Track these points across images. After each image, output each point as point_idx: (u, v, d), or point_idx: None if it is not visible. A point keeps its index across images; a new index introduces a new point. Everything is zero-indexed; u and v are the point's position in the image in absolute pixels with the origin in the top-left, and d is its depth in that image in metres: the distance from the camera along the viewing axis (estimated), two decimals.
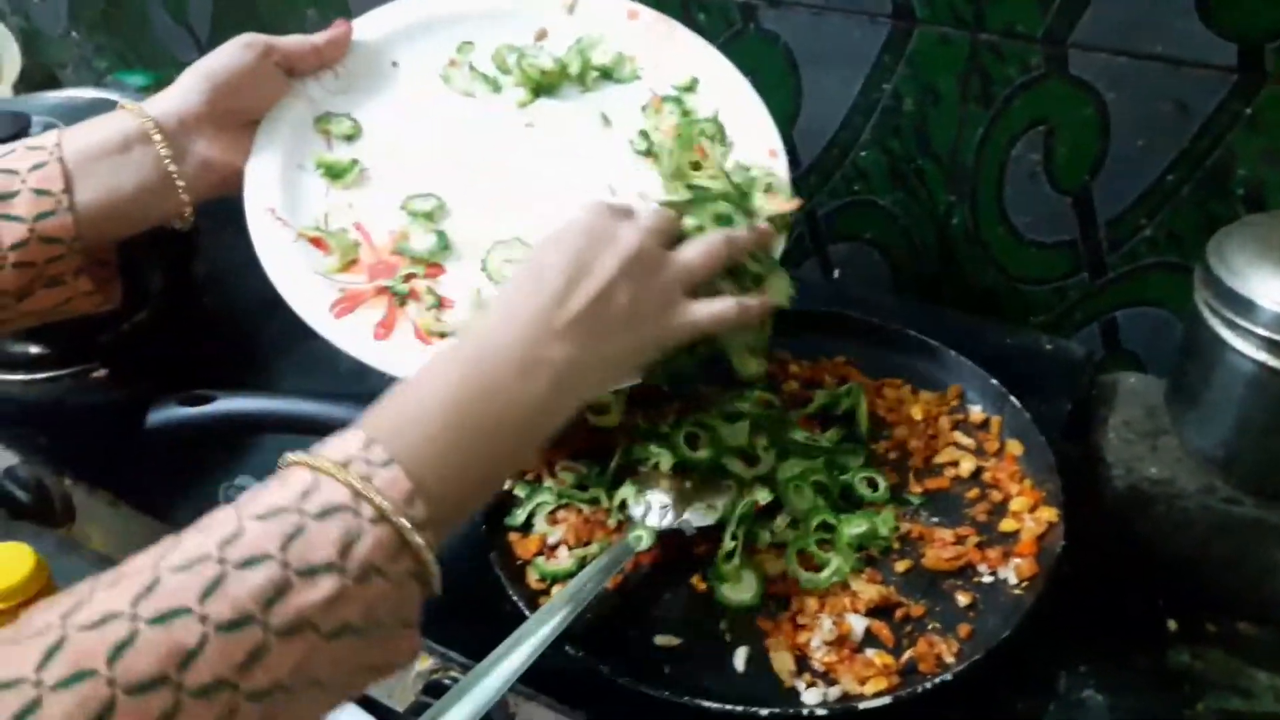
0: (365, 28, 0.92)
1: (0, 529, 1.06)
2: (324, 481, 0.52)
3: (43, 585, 0.95)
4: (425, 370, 0.62)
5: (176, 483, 0.91)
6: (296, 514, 0.50)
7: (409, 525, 0.53)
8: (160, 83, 1.54)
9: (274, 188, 0.83)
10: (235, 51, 0.82)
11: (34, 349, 1.05)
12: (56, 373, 1.04)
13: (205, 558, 0.48)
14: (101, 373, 1.05)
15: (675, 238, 0.74)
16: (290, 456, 0.55)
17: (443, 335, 0.78)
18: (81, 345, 1.05)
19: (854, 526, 0.76)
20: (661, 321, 0.69)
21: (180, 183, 0.80)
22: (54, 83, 1.68)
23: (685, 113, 0.89)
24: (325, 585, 0.49)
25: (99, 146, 0.78)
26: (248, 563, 0.48)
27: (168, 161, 0.79)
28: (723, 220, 0.76)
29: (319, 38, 0.88)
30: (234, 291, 1.14)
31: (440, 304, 0.80)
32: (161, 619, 0.45)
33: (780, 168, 0.86)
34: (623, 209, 0.73)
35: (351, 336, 0.77)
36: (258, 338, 1.09)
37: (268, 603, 0.47)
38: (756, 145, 0.88)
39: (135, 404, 0.84)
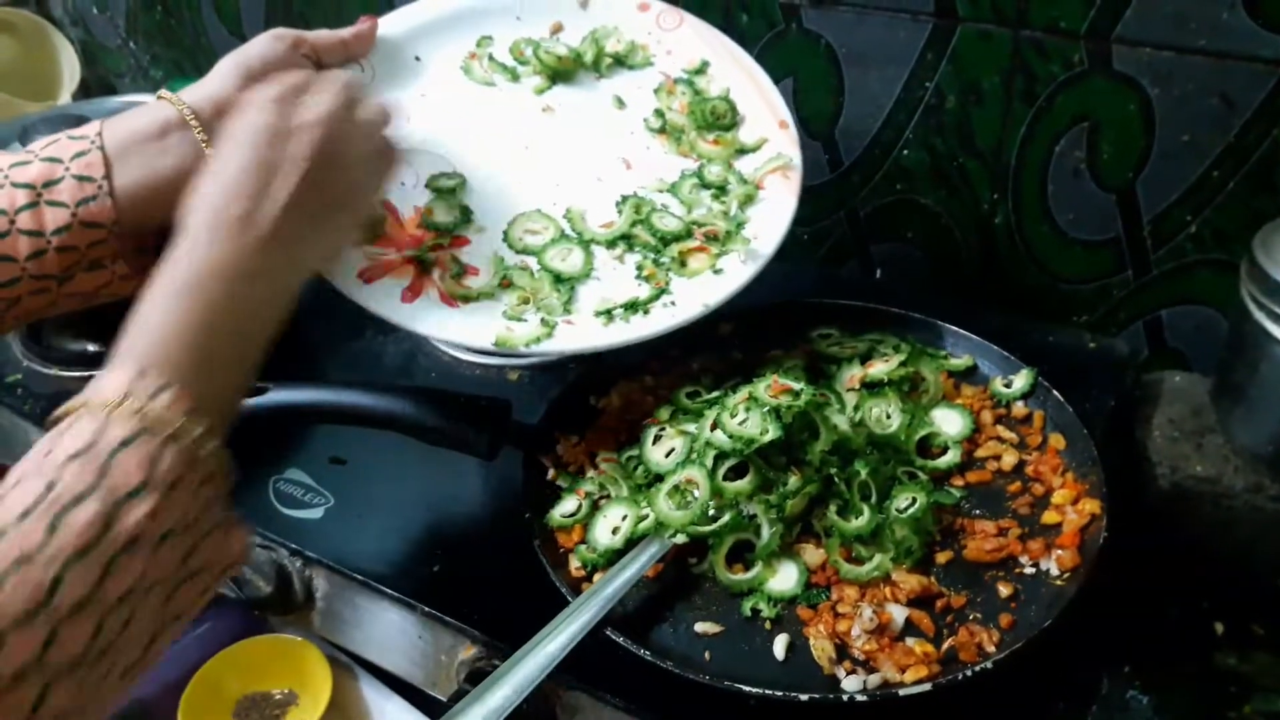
0: (391, 24, 0.96)
1: None
2: (113, 420, 0.57)
3: None
4: (154, 295, 0.65)
5: None
6: (100, 452, 0.56)
7: (198, 436, 0.59)
8: None
9: None
10: (267, 42, 0.86)
11: (91, 346, 1.08)
12: None
13: (37, 504, 0.53)
14: None
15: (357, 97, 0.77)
16: (66, 406, 0.59)
17: (466, 299, 0.82)
18: None
19: (901, 529, 0.76)
20: (370, 181, 0.76)
21: None
22: (111, 92, 1.73)
23: (697, 92, 0.94)
24: (144, 505, 0.55)
25: (138, 133, 0.81)
26: (75, 501, 0.53)
27: (204, 145, 0.82)
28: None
29: (346, 32, 0.92)
30: None
31: (464, 271, 0.83)
32: (18, 564, 0.51)
33: (790, 139, 0.90)
34: (293, 88, 0.75)
35: (380, 299, 0.80)
36: (307, 336, 1.10)
37: (104, 529, 0.53)
38: (767, 118, 0.92)
39: None
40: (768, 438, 0.76)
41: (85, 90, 1.70)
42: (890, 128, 1.06)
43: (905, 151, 1.07)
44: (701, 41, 0.97)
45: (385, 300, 0.81)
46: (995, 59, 0.97)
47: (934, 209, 1.09)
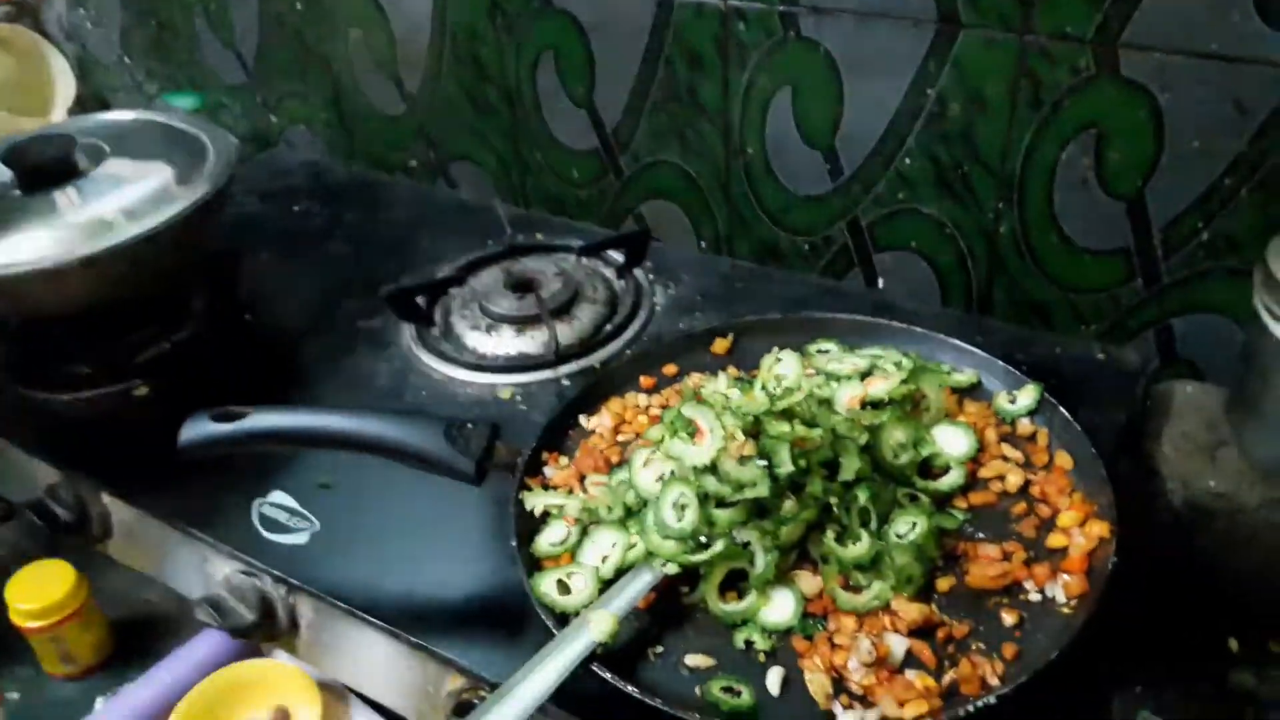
0: None
1: (43, 545, 1.08)
2: None
3: (83, 602, 0.96)
4: None
5: (212, 499, 0.90)
6: None
7: None
8: (207, 103, 1.57)
9: None
10: None
11: (77, 367, 1.06)
12: (99, 391, 1.05)
13: None
14: (143, 390, 1.05)
15: None
16: None
17: None
18: (123, 363, 1.06)
19: (901, 556, 0.73)
20: None
21: None
22: (106, 107, 1.73)
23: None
24: None
25: None
26: None
27: None
28: None
29: None
30: (275, 311, 1.15)
31: None
32: None
33: None
34: None
35: None
36: (298, 356, 1.09)
37: None
38: None
39: (175, 421, 0.83)
40: (758, 492, 0.73)
41: (81, 105, 1.70)
42: (892, 136, 1.04)
43: (908, 160, 1.04)
44: None
45: None
46: (1000, 65, 0.95)
47: (938, 218, 1.06)
